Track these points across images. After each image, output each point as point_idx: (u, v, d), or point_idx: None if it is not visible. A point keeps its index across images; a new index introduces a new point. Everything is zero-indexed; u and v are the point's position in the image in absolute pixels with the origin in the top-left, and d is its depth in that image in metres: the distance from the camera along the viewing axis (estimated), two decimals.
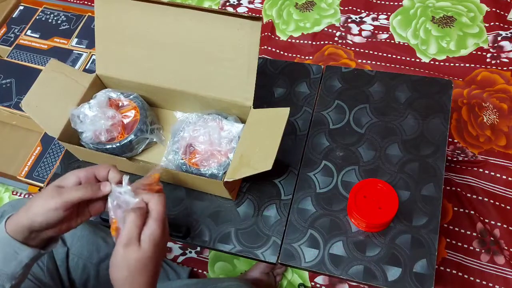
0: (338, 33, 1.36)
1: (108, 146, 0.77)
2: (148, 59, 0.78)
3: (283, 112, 0.67)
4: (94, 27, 0.79)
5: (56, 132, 0.76)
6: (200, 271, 1.10)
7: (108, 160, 0.78)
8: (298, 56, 1.35)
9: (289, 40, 1.38)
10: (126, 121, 0.79)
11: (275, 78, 0.86)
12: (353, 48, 1.32)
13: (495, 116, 1.13)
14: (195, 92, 0.77)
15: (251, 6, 1.48)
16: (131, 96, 0.81)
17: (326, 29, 1.37)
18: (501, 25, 1.26)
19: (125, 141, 0.78)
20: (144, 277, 0.54)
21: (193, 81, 0.76)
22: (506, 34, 1.24)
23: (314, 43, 1.36)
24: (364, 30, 1.35)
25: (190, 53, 0.75)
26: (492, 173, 1.06)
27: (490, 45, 1.24)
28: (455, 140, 1.12)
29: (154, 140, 0.81)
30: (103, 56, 0.81)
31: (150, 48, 0.77)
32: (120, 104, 0.80)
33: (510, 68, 1.19)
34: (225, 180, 0.67)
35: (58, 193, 0.55)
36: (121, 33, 0.78)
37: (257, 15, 0.70)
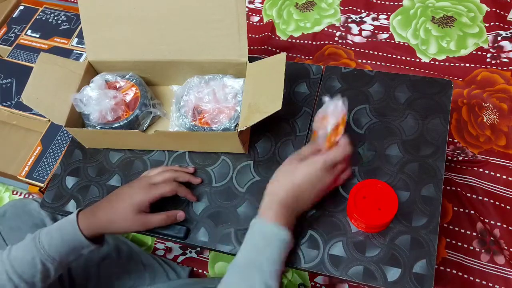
0: (338, 33, 1.35)
1: (116, 125, 0.78)
2: (138, 36, 0.78)
3: (280, 58, 0.68)
4: (80, 15, 0.79)
5: (62, 120, 0.76)
6: (200, 271, 1.10)
7: (119, 136, 0.78)
8: (298, 56, 1.35)
9: (289, 40, 1.38)
10: (127, 99, 0.80)
11: None
12: (353, 48, 1.31)
13: (495, 116, 1.13)
14: (189, 59, 0.77)
15: (251, 6, 1.48)
16: (127, 76, 0.82)
17: (326, 29, 1.37)
18: (501, 25, 1.26)
19: (132, 116, 0.78)
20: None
21: (186, 49, 0.77)
22: (506, 34, 1.24)
23: (314, 43, 1.36)
24: (364, 30, 1.35)
25: (178, 22, 0.75)
26: (492, 173, 1.06)
27: (490, 45, 1.24)
28: (455, 140, 1.12)
29: (158, 114, 0.82)
30: (92, 42, 0.81)
31: (137, 25, 0.78)
32: (118, 86, 0.81)
33: (510, 68, 1.19)
34: (239, 129, 0.68)
35: (143, 220, 0.67)
36: (106, 16, 0.78)
37: None
